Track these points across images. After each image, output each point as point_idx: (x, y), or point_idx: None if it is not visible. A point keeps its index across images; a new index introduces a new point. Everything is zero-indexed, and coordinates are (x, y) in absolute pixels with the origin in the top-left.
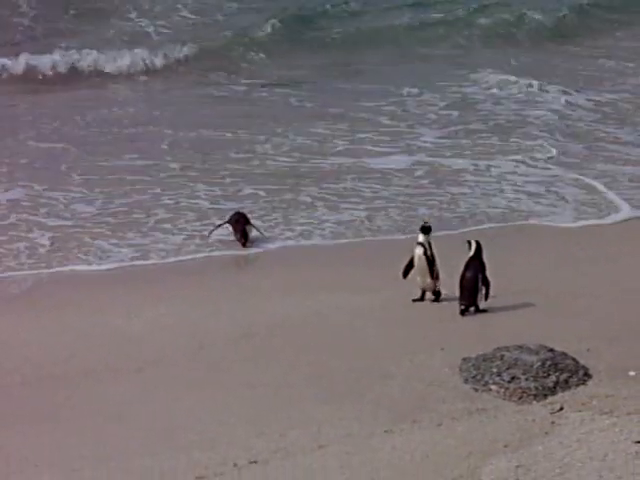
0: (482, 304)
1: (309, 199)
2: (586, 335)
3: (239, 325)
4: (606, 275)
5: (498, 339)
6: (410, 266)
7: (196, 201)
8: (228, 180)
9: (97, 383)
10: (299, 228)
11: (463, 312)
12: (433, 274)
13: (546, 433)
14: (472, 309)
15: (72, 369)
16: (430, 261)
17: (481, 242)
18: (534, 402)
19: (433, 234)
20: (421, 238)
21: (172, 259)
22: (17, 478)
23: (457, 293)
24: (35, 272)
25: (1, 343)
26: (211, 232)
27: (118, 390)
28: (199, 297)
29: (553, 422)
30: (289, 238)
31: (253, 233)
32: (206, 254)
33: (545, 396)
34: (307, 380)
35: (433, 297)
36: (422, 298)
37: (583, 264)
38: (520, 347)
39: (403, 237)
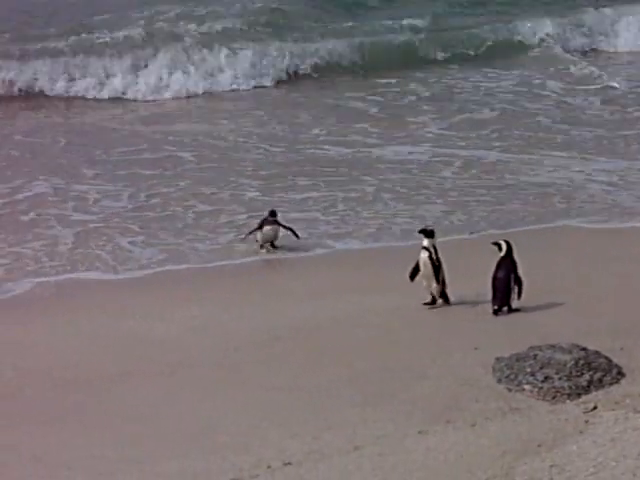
0: (515, 303)
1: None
2: (619, 334)
3: (271, 327)
4: (638, 275)
5: (531, 339)
6: (416, 270)
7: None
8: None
9: (127, 386)
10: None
11: (496, 312)
12: (439, 278)
13: (580, 432)
14: (505, 309)
15: (101, 372)
16: (435, 265)
17: (511, 242)
18: (567, 401)
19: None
20: (426, 242)
21: (206, 263)
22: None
23: (487, 294)
24: (57, 274)
25: (32, 345)
26: (247, 236)
27: (150, 392)
28: (229, 300)
29: (587, 421)
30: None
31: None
32: (239, 260)
33: (579, 395)
34: (341, 382)
35: (441, 301)
36: (434, 302)
37: (614, 264)
38: (553, 346)
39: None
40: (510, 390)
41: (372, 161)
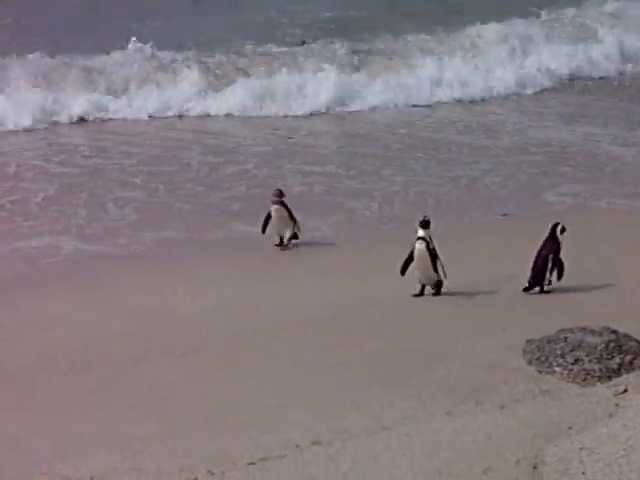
0: (553, 285)
1: None
2: None
3: (297, 308)
4: None
5: (561, 321)
6: (409, 261)
7: None
8: None
9: (151, 365)
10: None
11: (526, 289)
12: (436, 268)
13: (610, 415)
14: (537, 289)
15: (123, 351)
16: (433, 255)
17: (562, 224)
18: (598, 384)
19: None
20: (421, 232)
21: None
22: (76, 457)
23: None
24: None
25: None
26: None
27: (175, 372)
28: (245, 281)
29: (617, 404)
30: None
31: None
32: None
33: (609, 378)
34: (368, 363)
35: (433, 291)
36: (422, 293)
37: None
38: (584, 329)
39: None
40: (540, 372)
41: None
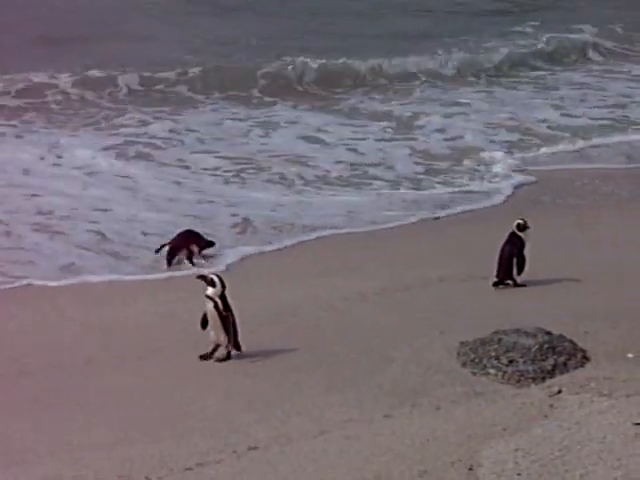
0: (519, 279)
1: None
2: (584, 318)
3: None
4: (607, 258)
5: (496, 323)
6: (206, 320)
7: None
8: None
9: (98, 371)
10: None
11: (496, 284)
12: (228, 329)
13: (545, 416)
14: (511, 283)
15: (70, 357)
16: (223, 316)
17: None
18: (532, 385)
19: None
20: (210, 291)
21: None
22: (16, 464)
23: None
24: None
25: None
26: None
27: (122, 378)
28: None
29: (552, 405)
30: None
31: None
32: None
33: (543, 379)
34: (309, 367)
35: (223, 356)
36: (212, 353)
37: (581, 247)
38: (518, 330)
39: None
40: (475, 374)
41: None
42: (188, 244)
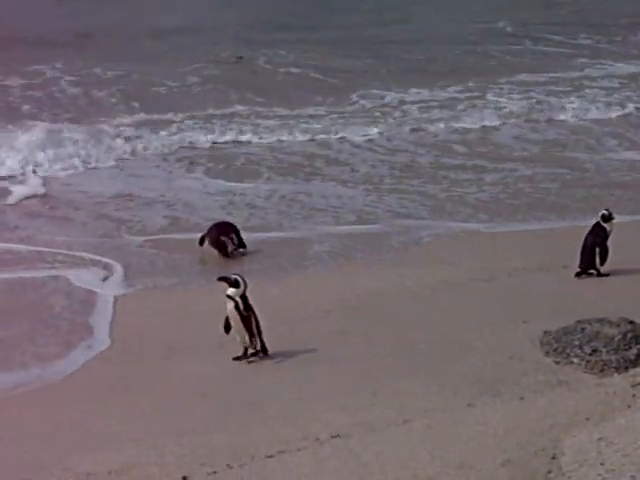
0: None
1: None
2: None
3: (323, 302)
4: None
5: (579, 312)
6: (229, 324)
7: None
8: None
9: (184, 359)
10: None
11: (578, 274)
12: (251, 331)
13: (628, 406)
14: (593, 272)
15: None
16: (244, 316)
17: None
18: (615, 375)
19: None
20: (230, 291)
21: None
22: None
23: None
24: None
25: None
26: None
27: (200, 367)
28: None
29: (634, 395)
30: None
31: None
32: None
33: (626, 368)
34: (391, 354)
35: (250, 354)
36: (245, 354)
37: None
38: (601, 320)
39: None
40: (558, 363)
41: None
42: (228, 233)
